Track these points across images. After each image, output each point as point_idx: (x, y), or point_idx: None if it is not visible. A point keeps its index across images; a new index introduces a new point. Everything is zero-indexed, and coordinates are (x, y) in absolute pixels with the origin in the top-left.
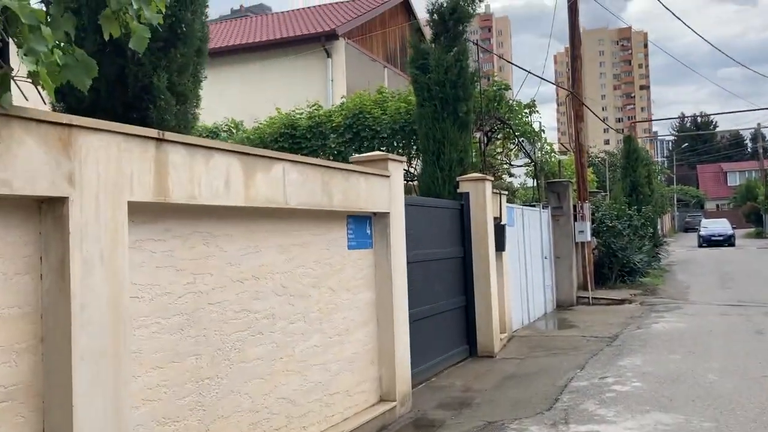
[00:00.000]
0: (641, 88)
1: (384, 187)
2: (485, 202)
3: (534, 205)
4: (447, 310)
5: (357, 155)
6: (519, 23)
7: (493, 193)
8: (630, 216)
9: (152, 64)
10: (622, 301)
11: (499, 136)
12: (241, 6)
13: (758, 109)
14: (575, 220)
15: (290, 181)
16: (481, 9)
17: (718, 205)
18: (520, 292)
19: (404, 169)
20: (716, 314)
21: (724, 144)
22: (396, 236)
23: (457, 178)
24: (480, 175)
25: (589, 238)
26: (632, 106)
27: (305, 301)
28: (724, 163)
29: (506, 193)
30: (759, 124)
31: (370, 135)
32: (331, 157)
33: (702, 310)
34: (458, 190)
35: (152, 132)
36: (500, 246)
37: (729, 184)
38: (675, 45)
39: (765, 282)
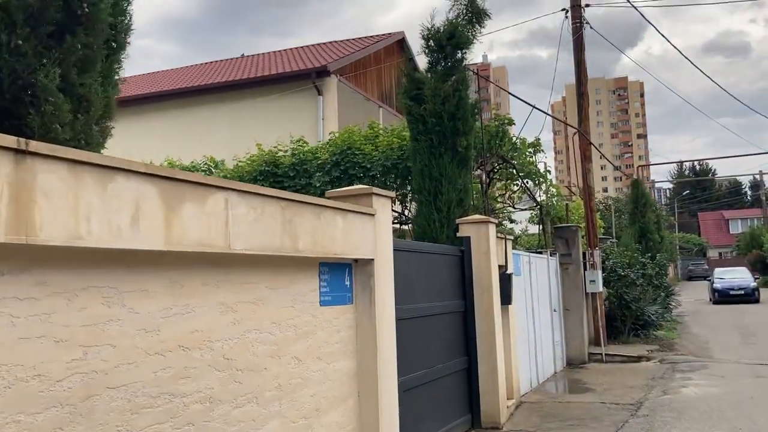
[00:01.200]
0: (638, 136)
1: (368, 228)
2: (489, 247)
3: (540, 252)
4: (445, 374)
5: (334, 189)
6: (514, 75)
7: (497, 237)
8: (643, 264)
9: (38, 55)
10: (639, 359)
11: (501, 177)
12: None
13: (758, 154)
14: (585, 268)
15: (236, 218)
16: (479, 59)
17: (720, 253)
18: (529, 350)
19: (397, 211)
20: (749, 376)
21: (723, 192)
22: (383, 288)
23: (457, 221)
24: (483, 217)
25: (600, 288)
26: (630, 155)
27: (259, 377)
28: (726, 210)
29: (512, 238)
30: (760, 171)
31: (360, 173)
32: None
33: (731, 370)
34: (458, 234)
35: (8, 140)
36: (506, 298)
37: (731, 232)
38: (669, 95)
39: None
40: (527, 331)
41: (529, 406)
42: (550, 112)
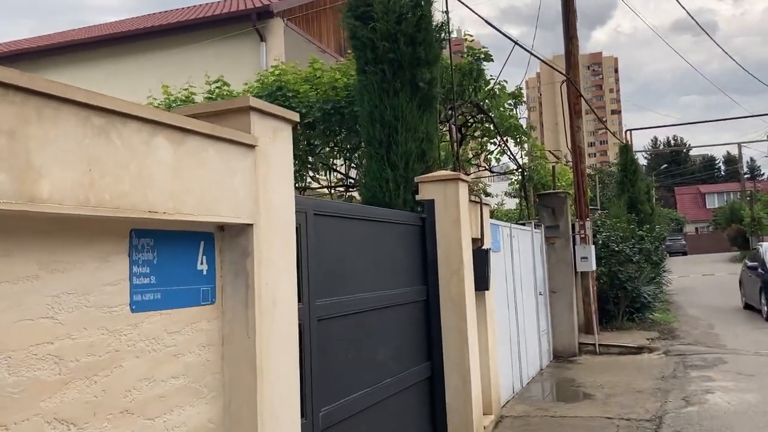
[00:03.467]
0: (613, 112)
1: (241, 170)
2: (459, 214)
3: (524, 224)
4: (399, 390)
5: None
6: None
7: (471, 201)
8: (641, 237)
9: None
10: (639, 350)
11: (476, 134)
12: None
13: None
14: (574, 243)
15: None
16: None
17: (697, 228)
18: (510, 346)
19: (342, 173)
20: None
21: (698, 167)
22: (272, 274)
23: (416, 179)
24: (451, 173)
25: (594, 267)
26: (604, 131)
27: None
28: (702, 185)
29: (490, 204)
30: (739, 144)
31: None
32: None
33: (758, 365)
34: (418, 197)
35: None
36: (482, 282)
37: (708, 207)
38: (640, 74)
39: None
40: (509, 322)
41: (512, 422)
42: (524, 86)
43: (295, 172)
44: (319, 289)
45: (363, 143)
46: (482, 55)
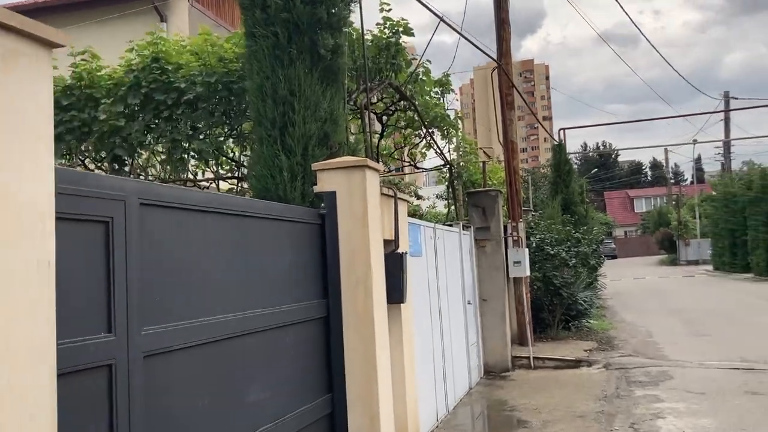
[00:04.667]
0: (544, 119)
1: None
2: (367, 210)
3: (451, 225)
4: None
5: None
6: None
7: (384, 195)
8: (577, 240)
9: None
10: (577, 363)
11: (399, 124)
12: None
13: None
14: (507, 246)
15: None
16: None
17: (626, 232)
18: (434, 366)
19: (234, 160)
20: (737, 391)
21: (625, 172)
22: None
23: (314, 166)
24: (357, 159)
25: (527, 272)
26: (536, 137)
27: None
28: (630, 189)
29: (408, 199)
30: (666, 148)
31: (171, 98)
32: (117, 141)
33: (706, 380)
34: (316, 189)
35: None
36: (397, 293)
37: (636, 211)
38: (571, 83)
39: (736, 323)
40: (432, 337)
41: None
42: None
43: (176, 160)
44: (147, 313)
45: (253, 124)
46: (401, 29)
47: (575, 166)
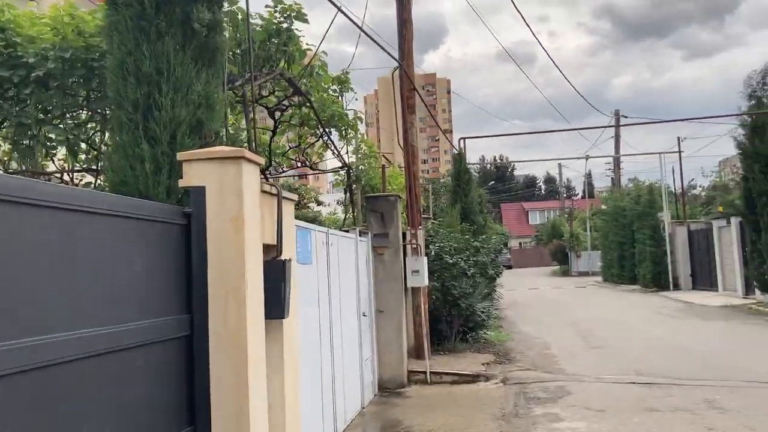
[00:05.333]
0: (445, 131)
1: None
2: (243, 209)
3: (347, 230)
4: None
5: None
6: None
7: (264, 192)
8: (477, 249)
9: None
10: (475, 378)
11: (293, 121)
12: None
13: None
14: (406, 254)
15: None
16: None
17: (521, 243)
18: (322, 386)
19: (92, 147)
20: (636, 408)
21: (521, 185)
22: None
23: (179, 155)
24: (232, 149)
25: (426, 282)
26: (437, 149)
27: None
28: (525, 202)
29: (293, 198)
30: (560, 164)
31: (19, 76)
32: None
33: (604, 396)
34: (181, 183)
35: None
36: (277, 307)
37: (531, 223)
38: (471, 98)
39: (629, 334)
40: (321, 354)
41: None
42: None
43: (24, 147)
44: None
45: (113, 106)
46: (294, 13)
47: (474, 179)
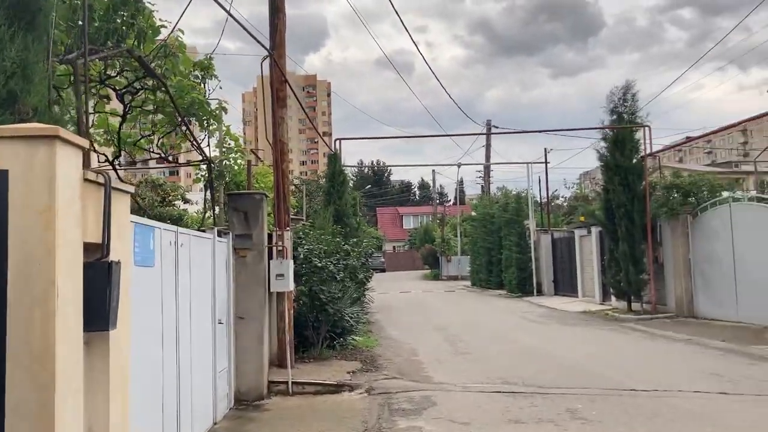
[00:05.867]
0: (324, 134)
1: None
2: (55, 200)
3: (204, 230)
4: None
5: None
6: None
7: (89, 181)
8: (347, 252)
9: None
10: (339, 388)
11: (149, 107)
12: None
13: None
14: (271, 257)
15: None
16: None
17: (394, 247)
18: (163, 405)
19: None
20: (501, 420)
21: (396, 190)
22: None
23: None
24: (44, 126)
25: (291, 287)
26: (315, 151)
27: None
28: (400, 207)
29: (129, 190)
30: (433, 170)
31: None
32: None
33: (470, 406)
34: None
35: None
36: (101, 318)
37: (404, 227)
38: (351, 101)
39: (496, 340)
40: (163, 368)
41: None
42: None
43: None
44: None
45: None
46: None
47: (350, 181)
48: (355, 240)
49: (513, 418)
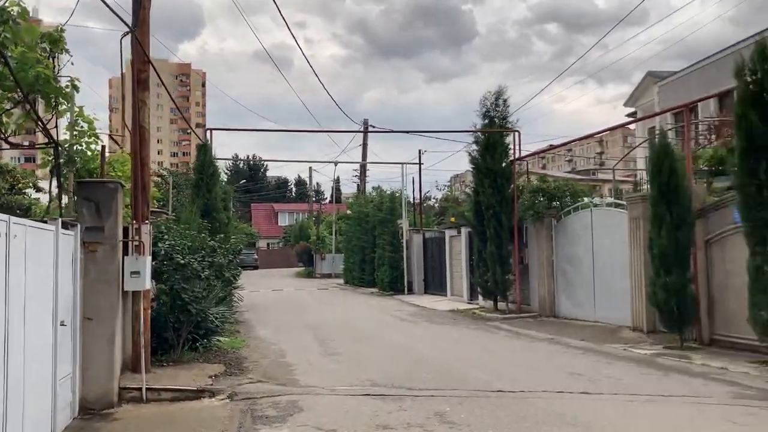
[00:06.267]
0: (198, 126)
1: None
2: None
3: (45, 221)
4: None
5: None
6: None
7: None
8: (213, 249)
9: None
10: (198, 394)
11: None
12: None
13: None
14: (127, 252)
15: None
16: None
17: (269, 244)
18: None
19: None
20: (368, 423)
21: (272, 186)
22: None
23: None
24: None
25: (148, 285)
26: (188, 142)
27: None
28: (276, 203)
29: None
30: (310, 167)
31: None
32: None
33: (335, 410)
34: None
35: None
36: None
37: (280, 224)
38: (227, 93)
39: (366, 339)
40: None
41: None
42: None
43: None
44: None
45: None
46: None
47: (225, 176)
48: (222, 236)
49: (382, 423)
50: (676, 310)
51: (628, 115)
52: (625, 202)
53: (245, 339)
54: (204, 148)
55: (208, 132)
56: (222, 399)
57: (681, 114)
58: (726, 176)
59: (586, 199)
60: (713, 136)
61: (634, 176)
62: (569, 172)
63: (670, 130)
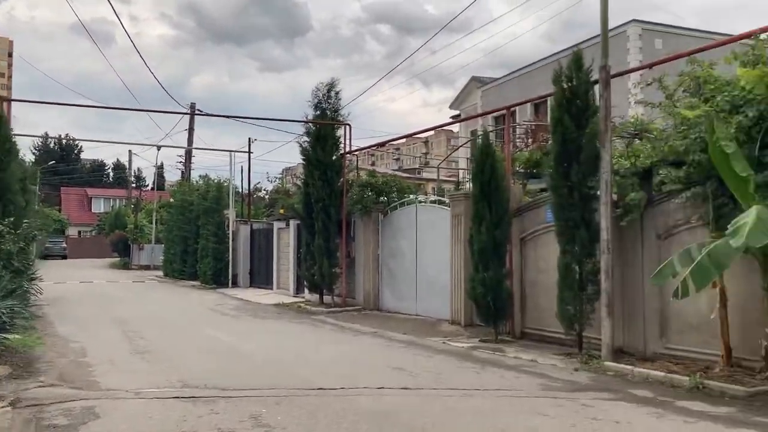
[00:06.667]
0: (2, 100)
1: None
2: None
3: None
4: None
5: None
6: None
7: None
8: (0, 235)
9: None
10: None
11: None
12: None
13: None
14: None
15: None
16: None
17: (80, 232)
18: None
19: None
20: (174, 429)
21: (87, 170)
22: None
23: None
24: None
25: None
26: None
27: None
28: (90, 188)
29: None
30: (130, 151)
31: None
32: None
33: (139, 416)
34: None
35: None
36: None
37: (93, 211)
38: (39, 67)
39: (181, 335)
40: None
41: None
42: None
43: None
44: None
45: None
46: None
47: (32, 155)
48: (10, 219)
49: (189, 429)
50: (492, 305)
51: (453, 117)
52: (448, 200)
53: (42, 336)
54: (0, 121)
55: (5, 104)
56: (3, 407)
57: (501, 118)
58: (538, 179)
59: (412, 196)
60: (530, 140)
61: (457, 176)
62: (396, 170)
63: (491, 132)
